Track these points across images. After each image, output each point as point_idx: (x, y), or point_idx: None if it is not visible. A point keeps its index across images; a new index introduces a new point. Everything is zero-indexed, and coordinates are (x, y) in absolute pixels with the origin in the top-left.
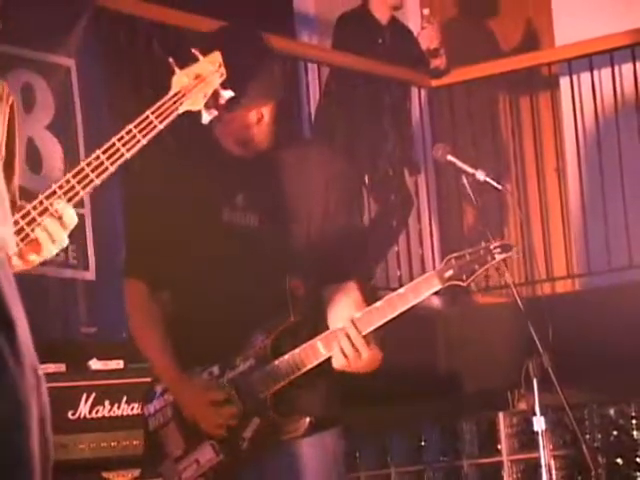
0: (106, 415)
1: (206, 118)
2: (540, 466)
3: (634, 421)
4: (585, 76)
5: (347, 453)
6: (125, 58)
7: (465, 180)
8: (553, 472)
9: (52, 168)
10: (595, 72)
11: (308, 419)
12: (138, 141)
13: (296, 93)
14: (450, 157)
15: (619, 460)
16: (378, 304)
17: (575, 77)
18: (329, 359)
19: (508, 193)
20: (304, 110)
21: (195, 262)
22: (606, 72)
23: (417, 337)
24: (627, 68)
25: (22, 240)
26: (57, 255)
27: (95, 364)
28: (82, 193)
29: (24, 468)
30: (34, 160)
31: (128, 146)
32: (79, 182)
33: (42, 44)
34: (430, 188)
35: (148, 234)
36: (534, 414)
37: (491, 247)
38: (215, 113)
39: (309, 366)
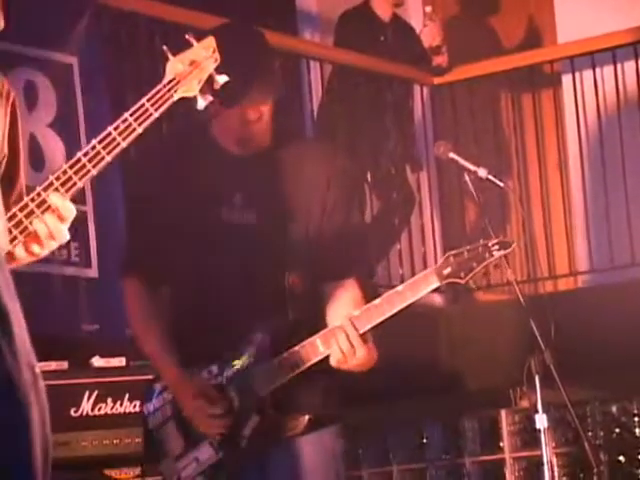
0: (108, 412)
1: (201, 104)
2: (542, 464)
3: (636, 418)
4: (587, 74)
5: (349, 451)
6: (127, 55)
7: (467, 177)
8: (555, 470)
9: (54, 165)
10: (597, 70)
11: (307, 416)
12: (134, 130)
13: (298, 91)
14: (452, 154)
15: (621, 458)
16: (376, 301)
17: (577, 74)
18: (328, 357)
19: (510, 190)
20: (306, 108)
21: (193, 261)
22: (608, 70)
23: (419, 335)
24: (629, 66)
25: (21, 233)
26: (60, 253)
27: (97, 361)
28: (79, 184)
29: (25, 465)
30: (36, 157)
31: (124, 135)
32: (76, 173)
33: (44, 42)
34: (432, 185)
35: (146, 233)
36: (536, 412)
37: (489, 244)
38: (210, 99)
39: (308, 364)
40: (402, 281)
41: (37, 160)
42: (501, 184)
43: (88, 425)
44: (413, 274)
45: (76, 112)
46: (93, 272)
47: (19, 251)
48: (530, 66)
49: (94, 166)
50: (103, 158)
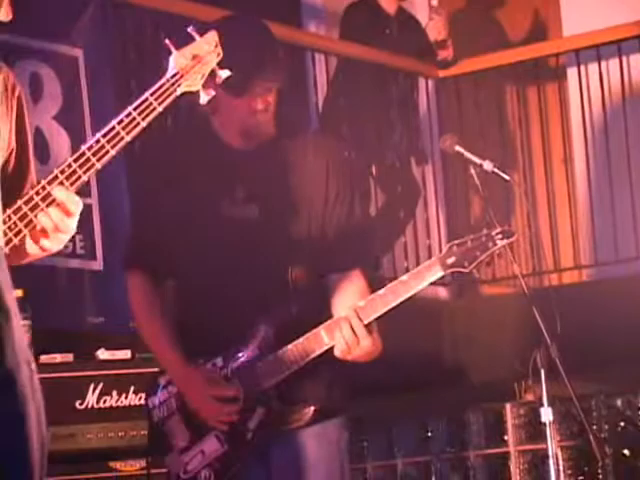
0: (114, 405)
1: (204, 98)
2: (547, 457)
3: None
4: (593, 67)
5: (354, 444)
6: (132, 48)
7: (472, 170)
8: (560, 463)
9: (59, 158)
10: (603, 63)
11: (313, 408)
12: (138, 124)
13: (303, 84)
14: (458, 148)
15: (626, 451)
16: (381, 292)
17: (583, 68)
18: (333, 348)
19: (515, 184)
20: (311, 101)
21: (197, 254)
22: (614, 63)
23: (424, 328)
24: (635, 59)
25: (26, 226)
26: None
27: (103, 354)
28: (84, 177)
29: (22, 460)
30: (41, 150)
31: (128, 129)
32: (80, 166)
33: (50, 34)
34: (437, 178)
35: (150, 227)
36: (541, 405)
37: (493, 233)
38: (213, 93)
39: (313, 355)
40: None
41: (42, 152)
42: (507, 177)
43: (93, 418)
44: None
45: (81, 104)
46: (98, 265)
47: (30, 247)
48: (535, 59)
49: (98, 160)
50: (107, 152)
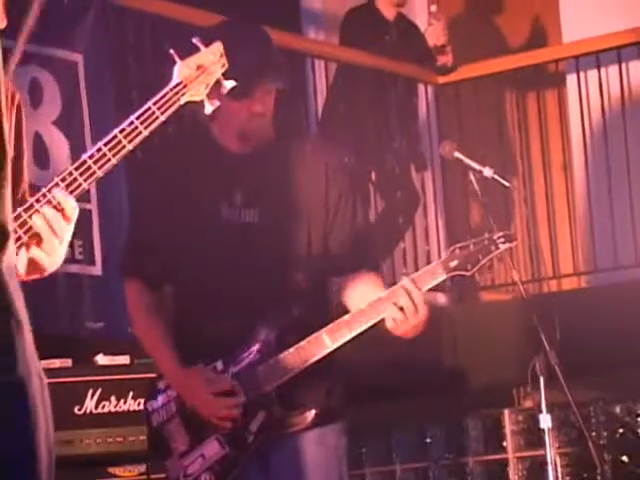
0: (112, 410)
1: (209, 109)
2: (546, 463)
3: None
4: (592, 73)
5: (352, 449)
6: (132, 53)
7: (472, 177)
8: (559, 469)
9: (59, 164)
10: (602, 69)
11: (313, 411)
12: (140, 133)
13: (303, 89)
14: (457, 154)
15: (625, 458)
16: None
17: (582, 74)
18: (335, 352)
19: (515, 190)
20: (311, 106)
21: (196, 259)
22: (613, 69)
23: (423, 334)
24: (634, 65)
25: (25, 233)
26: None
27: (101, 359)
28: (85, 185)
29: (31, 472)
30: (41, 156)
31: (130, 137)
32: (81, 174)
33: (49, 39)
34: (437, 184)
35: (148, 233)
36: (540, 411)
37: (495, 237)
38: (217, 104)
39: (314, 359)
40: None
41: (42, 158)
42: (506, 184)
43: (92, 423)
44: None
45: (81, 110)
46: (97, 270)
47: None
48: (535, 65)
49: (99, 168)
50: (109, 160)
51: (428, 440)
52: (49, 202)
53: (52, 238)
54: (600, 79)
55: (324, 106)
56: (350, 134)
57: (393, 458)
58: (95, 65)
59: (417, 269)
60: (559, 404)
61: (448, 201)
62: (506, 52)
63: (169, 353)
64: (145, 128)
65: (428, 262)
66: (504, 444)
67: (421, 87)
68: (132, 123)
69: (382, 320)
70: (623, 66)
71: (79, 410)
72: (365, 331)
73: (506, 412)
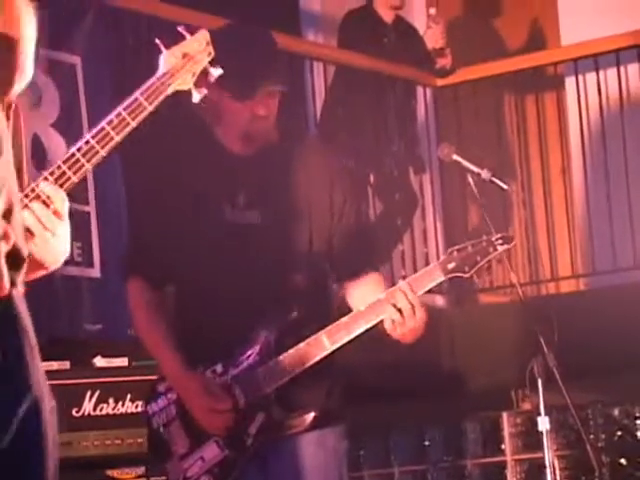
0: (110, 413)
1: (196, 97)
2: (544, 466)
3: (638, 421)
4: (591, 76)
5: (351, 452)
6: (131, 55)
7: (470, 179)
8: (557, 472)
9: None
10: (601, 72)
11: (313, 414)
12: (128, 124)
13: (301, 91)
14: (455, 156)
15: (623, 460)
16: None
17: (581, 77)
18: (333, 353)
19: (513, 193)
20: (309, 109)
21: (198, 260)
22: (612, 72)
23: (421, 337)
24: (633, 68)
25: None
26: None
27: (99, 361)
28: (74, 178)
29: None
30: (39, 158)
31: (118, 129)
32: (70, 167)
33: (47, 41)
34: (435, 187)
35: (150, 233)
36: (538, 414)
37: (493, 239)
38: (205, 92)
39: (313, 361)
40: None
41: (40, 160)
42: (504, 186)
43: (90, 425)
44: None
45: (79, 112)
46: (95, 272)
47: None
48: (534, 68)
49: (88, 160)
50: (97, 152)
51: (426, 442)
52: (38, 197)
53: (43, 232)
54: (599, 82)
55: (322, 108)
56: (348, 136)
57: (391, 460)
58: (94, 67)
59: (415, 271)
60: (557, 407)
61: (446, 203)
62: (505, 55)
63: (172, 354)
64: (133, 119)
65: (426, 264)
66: (502, 447)
67: (420, 90)
68: (119, 114)
69: (381, 322)
70: (622, 69)
71: (77, 412)
72: (364, 333)
73: (504, 415)
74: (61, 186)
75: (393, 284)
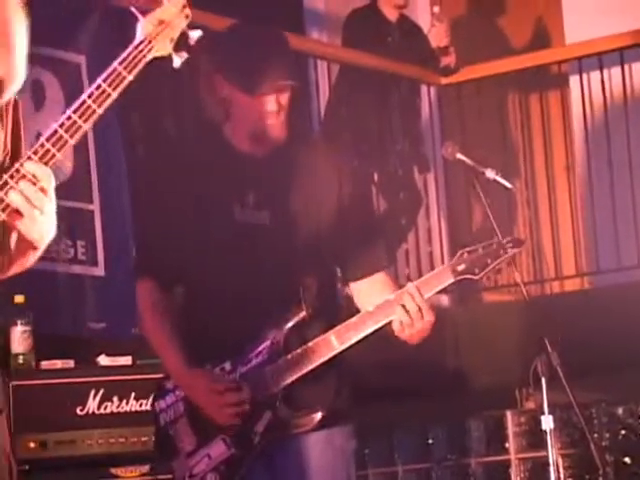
0: (114, 411)
1: (177, 62)
2: (548, 465)
3: None
4: (595, 74)
5: (355, 450)
6: None
7: (474, 178)
8: (561, 471)
9: (61, 165)
10: (605, 70)
11: (320, 413)
12: (109, 95)
13: (305, 90)
14: (459, 155)
15: (627, 459)
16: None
17: (585, 75)
18: (341, 353)
19: (517, 191)
20: (313, 107)
21: (207, 260)
22: (616, 71)
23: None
24: (637, 67)
25: (3, 211)
26: (66, 251)
27: (104, 360)
28: (58, 155)
29: None
30: None
31: (99, 101)
32: (54, 144)
33: (52, 40)
34: (439, 186)
35: (158, 233)
36: (542, 413)
37: (504, 242)
38: (185, 56)
39: (321, 360)
40: (409, 281)
41: None
42: (509, 185)
43: (94, 424)
44: (420, 274)
45: None
46: (100, 270)
47: (14, 242)
48: (538, 67)
49: (71, 136)
50: (80, 127)
51: (430, 441)
52: (23, 177)
53: (31, 210)
54: (603, 80)
55: (326, 107)
56: (352, 135)
57: (395, 459)
58: (98, 66)
59: (420, 270)
60: (561, 405)
61: (450, 202)
62: (509, 53)
63: (176, 353)
64: (113, 90)
65: (431, 263)
66: (506, 445)
67: (424, 88)
68: (99, 86)
69: (389, 323)
70: (626, 67)
71: (81, 411)
72: (373, 333)
73: (508, 413)
74: (46, 164)
75: (397, 283)
